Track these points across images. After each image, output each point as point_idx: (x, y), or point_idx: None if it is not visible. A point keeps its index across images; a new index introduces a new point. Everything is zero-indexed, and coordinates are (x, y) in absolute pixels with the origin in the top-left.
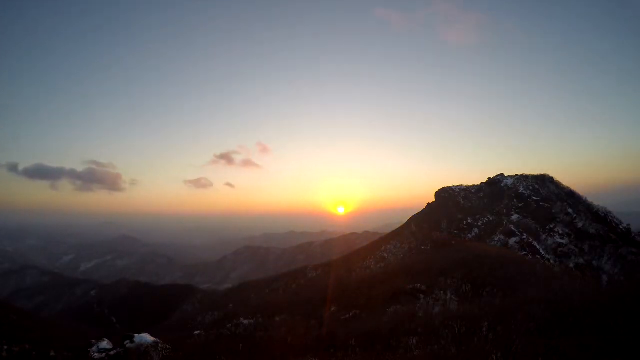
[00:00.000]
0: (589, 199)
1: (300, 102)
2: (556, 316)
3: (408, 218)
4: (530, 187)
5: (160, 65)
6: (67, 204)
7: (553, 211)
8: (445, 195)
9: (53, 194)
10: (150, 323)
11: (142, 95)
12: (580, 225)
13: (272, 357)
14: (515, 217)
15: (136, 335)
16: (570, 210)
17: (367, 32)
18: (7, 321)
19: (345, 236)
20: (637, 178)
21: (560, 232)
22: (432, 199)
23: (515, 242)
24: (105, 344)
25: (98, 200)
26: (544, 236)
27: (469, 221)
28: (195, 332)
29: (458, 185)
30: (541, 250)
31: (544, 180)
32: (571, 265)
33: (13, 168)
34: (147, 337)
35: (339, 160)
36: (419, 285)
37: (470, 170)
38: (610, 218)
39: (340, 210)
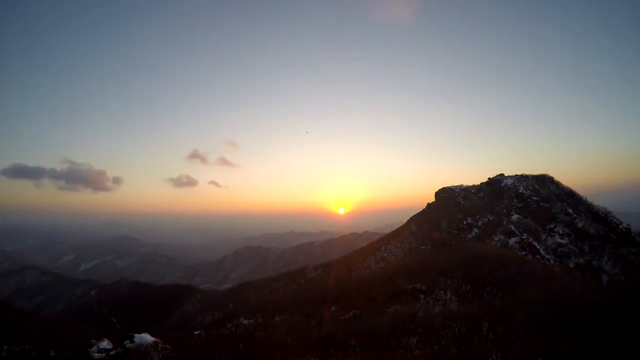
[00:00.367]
0: (589, 199)
1: (301, 102)
2: (556, 316)
3: (408, 218)
4: (530, 187)
5: (140, 64)
6: (58, 203)
7: (553, 211)
8: (445, 195)
9: (38, 193)
10: (150, 323)
11: (116, 93)
12: (580, 225)
13: (272, 357)
14: (515, 217)
15: (136, 335)
16: (570, 210)
17: (369, 32)
18: (7, 321)
19: (345, 236)
20: (637, 178)
21: (560, 232)
22: (432, 199)
23: (515, 242)
24: (105, 344)
25: (86, 200)
26: (544, 236)
27: (469, 221)
28: (195, 332)
29: (458, 185)
30: (541, 250)
31: (544, 180)
32: (571, 265)
33: None
34: (147, 337)
35: (339, 160)
36: (419, 285)
37: (470, 170)
38: (610, 218)
39: (340, 210)
